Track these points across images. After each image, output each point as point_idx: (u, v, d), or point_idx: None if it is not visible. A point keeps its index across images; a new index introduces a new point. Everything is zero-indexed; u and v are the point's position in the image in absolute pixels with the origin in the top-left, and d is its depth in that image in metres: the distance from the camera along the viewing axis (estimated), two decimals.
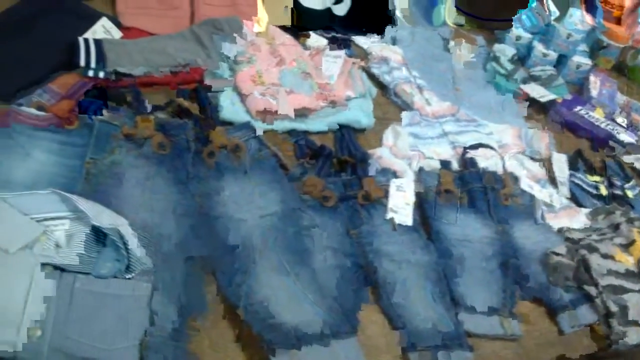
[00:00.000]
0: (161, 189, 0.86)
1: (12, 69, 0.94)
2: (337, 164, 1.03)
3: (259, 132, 0.98)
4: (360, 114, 1.14)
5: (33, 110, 0.89)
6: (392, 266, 0.91)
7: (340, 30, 1.28)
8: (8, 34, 1.01)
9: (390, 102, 1.25)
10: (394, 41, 1.39)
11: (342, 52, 1.19)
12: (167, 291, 0.76)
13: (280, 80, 1.08)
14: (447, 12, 1.56)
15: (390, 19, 1.47)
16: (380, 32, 1.38)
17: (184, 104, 0.97)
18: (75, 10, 1.10)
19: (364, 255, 0.92)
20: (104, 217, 0.76)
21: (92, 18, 1.09)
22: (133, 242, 0.76)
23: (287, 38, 1.17)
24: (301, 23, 1.25)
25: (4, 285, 0.67)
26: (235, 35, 1.13)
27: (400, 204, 0.98)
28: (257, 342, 0.76)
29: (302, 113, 1.08)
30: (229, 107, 1.03)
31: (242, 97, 1.05)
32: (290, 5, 1.29)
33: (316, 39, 1.26)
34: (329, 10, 1.32)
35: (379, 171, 1.03)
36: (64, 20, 1.07)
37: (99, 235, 0.76)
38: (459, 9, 1.56)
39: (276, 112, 1.05)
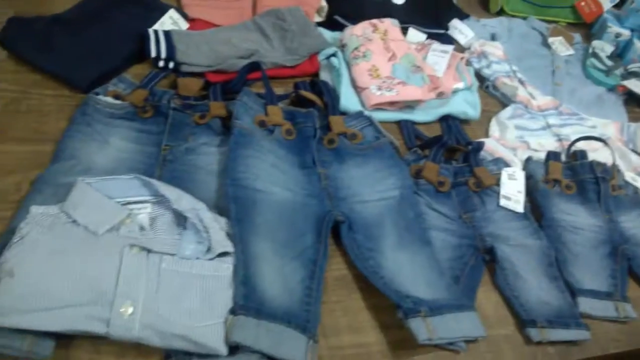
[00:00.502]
0: (289, 171, 0.92)
1: (88, 59, 0.98)
2: (446, 153, 1.08)
3: (374, 121, 1.04)
4: (466, 105, 1.18)
5: (110, 99, 0.92)
6: (507, 249, 0.95)
7: (399, 20, 1.26)
8: (82, 25, 1.05)
9: (488, 95, 1.30)
10: (492, 37, 1.46)
11: (450, 47, 1.24)
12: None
13: (393, 73, 1.14)
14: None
15: (450, 9, 1.44)
16: (440, 23, 1.35)
17: (307, 95, 1.05)
18: (144, 2, 1.13)
19: (480, 238, 0.96)
20: (184, 202, 0.78)
21: (160, 10, 1.13)
22: (213, 226, 0.77)
23: (397, 32, 1.22)
24: (360, 13, 1.23)
25: (95, 265, 0.69)
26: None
27: (512, 192, 1.03)
28: (388, 310, 0.80)
29: (411, 104, 1.14)
30: (348, 98, 1.10)
31: (359, 89, 1.12)
32: None
33: (414, 34, 1.32)
34: (388, 0, 1.30)
35: (491, 160, 1.08)
36: (133, 12, 1.11)
37: (179, 219, 0.78)
38: None
39: (391, 103, 1.11)
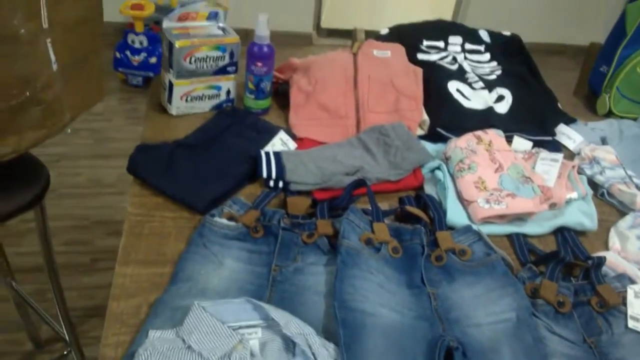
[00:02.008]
0: (397, 291, 0.89)
1: (204, 182, 1.04)
2: (564, 269, 1.01)
3: (484, 236, 1.00)
4: (582, 216, 1.12)
5: (225, 221, 0.95)
6: None
7: (502, 129, 1.24)
8: (200, 150, 1.12)
9: (604, 203, 1.22)
10: (603, 140, 1.40)
11: (560, 155, 1.20)
12: None
13: (501, 185, 1.11)
14: (612, 101, 1.46)
15: (556, 114, 1.40)
16: (546, 129, 1.31)
17: (413, 211, 1.04)
18: (255, 125, 1.20)
19: None
20: (292, 326, 0.77)
21: (270, 131, 1.19)
22: (321, 353, 0.74)
23: (502, 142, 1.20)
24: (463, 124, 1.23)
25: None
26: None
27: None
28: None
29: (522, 217, 1.09)
30: (455, 212, 1.08)
31: (466, 203, 1.10)
32: None
33: (520, 142, 1.29)
34: (490, 109, 1.29)
35: (614, 276, 1.00)
36: (246, 135, 1.17)
37: (288, 344, 0.77)
38: (624, 96, 1.46)
39: (500, 216, 1.07)
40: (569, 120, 1.42)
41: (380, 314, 0.84)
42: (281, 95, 1.36)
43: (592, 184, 1.24)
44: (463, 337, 0.85)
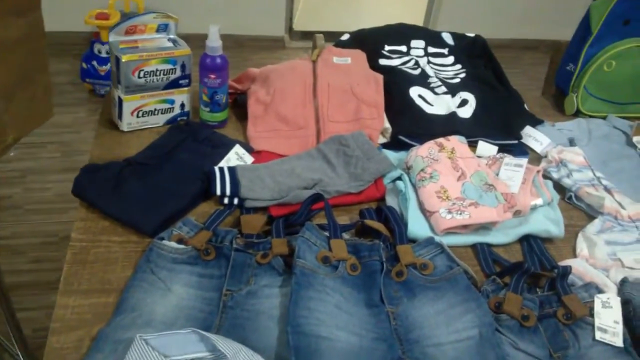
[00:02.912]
0: (355, 311, 0.85)
1: (153, 203, 0.99)
2: (530, 279, 0.97)
3: (446, 248, 0.97)
4: (548, 223, 1.08)
5: (173, 244, 0.91)
6: None
7: (465, 134, 1.21)
8: (150, 168, 1.07)
9: (572, 207, 1.19)
10: (571, 142, 1.37)
11: (524, 160, 1.16)
12: None
13: (464, 194, 1.07)
14: (580, 100, 1.44)
15: (522, 115, 1.38)
16: (512, 132, 1.28)
17: (373, 225, 0.99)
18: (210, 140, 1.16)
19: None
20: (241, 357, 0.73)
21: (226, 146, 1.15)
22: None
23: (465, 149, 1.16)
24: (425, 131, 1.19)
25: None
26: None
27: (609, 323, 0.90)
28: None
29: (486, 226, 1.06)
30: (416, 224, 1.04)
31: (427, 213, 1.06)
32: None
33: (485, 147, 1.25)
34: (454, 114, 1.25)
35: (581, 286, 0.96)
36: (200, 150, 1.12)
37: None
38: (592, 95, 1.44)
39: (464, 226, 1.04)
40: (536, 122, 1.40)
41: (337, 337, 0.81)
42: (240, 106, 1.31)
43: (560, 187, 1.22)
44: (424, 358, 0.82)
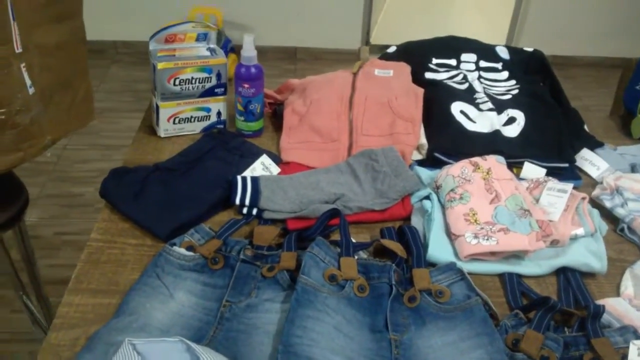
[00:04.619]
0: (356, 334, 0.81)
1: (171, 208, 0.99)
2: (560, 315, 0.89)
3: (466, 276, 0.90)
4: (589, 256, 0.98)
5: (182, 250, 0.91)
6: None
7: (511, 154, 1.13)
8: (177, 174, 1.07)
9: (624, 240, 1.07)
10: (633, 168, 1.23)
11: (569, 185, 1.06)
12: None
13: (495, 218, 0.99)
14: None
15: (579, 137, 1.27)
16: (564, 155, 1.18)
17: (389, 245, 0.95)
18: (239, 149, 1.14)
19: None
20: None
21: (254, 155, 1.14)
22: None
23: (503, 170, 1.07)
24: (464, 149, 1.12)
25: None
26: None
27: None
28: None
29: (516, 254, 0.97)
30: (437, 247, 0.97)
31: (453, 237, 0.99)
32: None
33: (531, 169, 1.15)
34: (497, 132, 1.17)
35: (617, 329, 0.86)
36: (227, 158, 1.12)
37: None
38: None
39: (492, 253, 0.96)
40: (595, 145, 1.28)
41: None
42: (278, 116, 1.31)
43: (613, 218, 1.10)
44: None
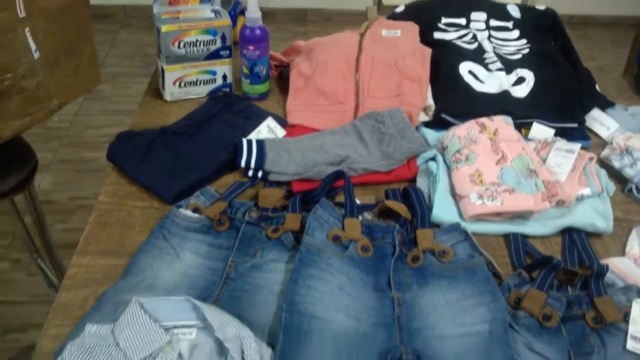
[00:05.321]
0: (359, 293, 0.82)
1: (177, 171, 1.00)
2: (564, 275, 0.89)
3: (470, 236, 0.90)
4: (595, 215, 0.98)
5: (189, 213, 0.92)
6: None
7: (520, 115, 1.11)
8: (182, 137, 1.08)
9: (632, 201, 1.07)
10: None
11: (577, 146, 1.05)
12: None
13: (500, 179, 0.99)
14: None
15: (590, 97, 1.25)
16: (574, 116, 1.16)
17: (393, 206, 0.95)
18: (244, 112, 1.14)
19: None
20: (229, 329, 0.72)
21: (260, 118, 1.13)
22: (254, 358, 0.70)
23: (510, 131, 1.06)
24: (472, 110, 1.11)
25: None
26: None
27: None
28: None
29: (521, 215, 0.97)
30: (442, 208, 0.97)
31: (458, 197, 0.99)
32: None
33: (540, 130, 1.14)
34: (506, 92, 1.16)
35: (621, 287, 0.86)
36: (233, 121, 1.12)
37: (223, 348, 0.72)
38: None
39: (497, 214, 0.96)
40: (606, 105, 1.26)
41: (332, 319, 0.78)
42: (284, 79, 1.30)
43: (621, 178, 1.09)
44: (424, 349, 0.77)
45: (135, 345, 0.71)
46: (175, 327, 0.75)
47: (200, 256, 0.89)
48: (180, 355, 0.72)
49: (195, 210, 0.93)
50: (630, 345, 0.79)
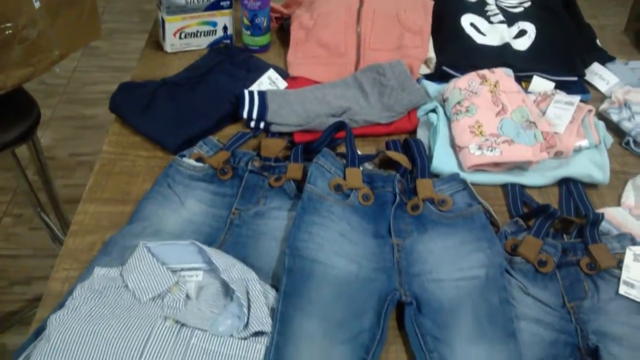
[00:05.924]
0: (360, 240, 0.83)
1: (180, 122, 1.01)
2: (560, 224, 0.91)
3: (469, 185, 0.91)
4: (592, 167, 0.99)
5: (192, 162, 0.93)
6: (619, 351, 0.75)
7: (520, 68, 1.12)
8: (184, 88, 1.08)
9: (629, 153, 1.08)
10: None
11: (576, 98, 1.05)
12: None
13: (500, 130, 0.99)
14: None
15: (590, 51, 1.25)
16: (574, 69, 1.17)
17: (393, 156, 0.96)
18: (246, 63, 1.14)
19: (582, 334, 0.78)
20: (234, 271, 0.75)
21: (261, 70, 1.13)
22: (258, 300, 0.72)
23: (510, 83, 1.07)
24: (473, 62, 1.11)
25: (126, 333, 0.68)
26: None
27: (638, 277, 0.82)
28: None
29: (521, 165, 0.98)
30: (442, 159, 0.99)
31: (457, 149, 1.00)
32: None
33: (540, 83, 1.14)
34: (507, 45, 1.16)
35: (615, 235, 0.88)
36: (234, 73, 1.12)
37: (228, 289, 0.75)
38: None
39: (496, 164, 0.98)
40: (606, 59, 1.26)
41: (334, 264, 0.80)
42: (285, 31, 1.29)
43: (619, 131, 1.10)
44: (421, 292, 0.80)
45: (144, 286, 0.74)
46: (182, 269, 0.78)
47: (205, 204, 0.90)
48: (187, 296, 0.74)
49: (199, 159, 0.95)
50: (623, 289, 0.81)
